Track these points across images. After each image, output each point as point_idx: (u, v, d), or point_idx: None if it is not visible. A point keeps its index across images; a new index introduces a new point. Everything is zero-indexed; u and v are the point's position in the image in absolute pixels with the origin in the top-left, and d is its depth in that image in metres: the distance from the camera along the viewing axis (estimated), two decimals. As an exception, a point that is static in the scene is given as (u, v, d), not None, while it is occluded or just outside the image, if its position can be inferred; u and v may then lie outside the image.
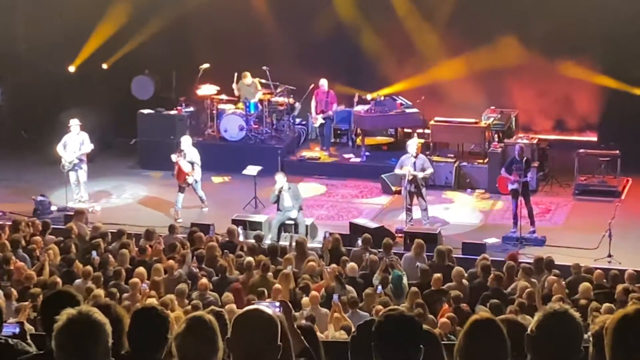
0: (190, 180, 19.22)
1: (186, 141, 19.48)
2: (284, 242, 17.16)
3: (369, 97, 22.85)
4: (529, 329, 4.20)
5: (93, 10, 23.84)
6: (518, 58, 22.21)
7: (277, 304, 5.45)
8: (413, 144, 18.60)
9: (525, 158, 18.14)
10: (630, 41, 21.55)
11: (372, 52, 23.22)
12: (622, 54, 21.75)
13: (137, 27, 23.67)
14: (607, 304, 12.68)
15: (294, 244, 16.32)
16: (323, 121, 22.41)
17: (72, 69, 24.48)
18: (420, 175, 18.25)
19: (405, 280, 14.63)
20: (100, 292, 13.18)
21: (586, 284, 13.94)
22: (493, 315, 4.57)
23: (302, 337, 5.39)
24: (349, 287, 14.20)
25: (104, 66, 24.44)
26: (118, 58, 24.09)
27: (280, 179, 18.27)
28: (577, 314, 4.21)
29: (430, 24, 22.81)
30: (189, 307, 12.63)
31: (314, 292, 13.67)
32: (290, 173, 19.70)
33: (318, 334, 9.42)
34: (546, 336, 4.13)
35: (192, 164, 19.20)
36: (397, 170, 18.86)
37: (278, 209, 18.32)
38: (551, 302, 4.39)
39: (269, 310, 4.41)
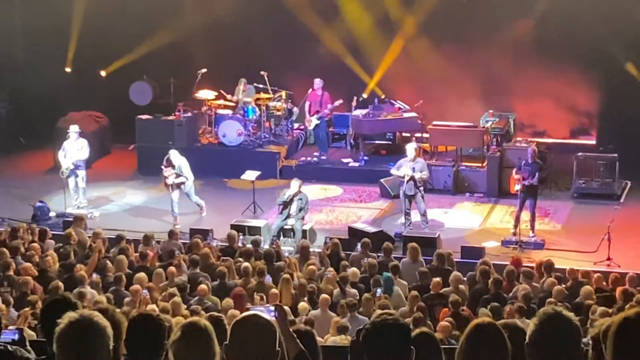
0: (169, 181, 19.14)
1: (174, 154, 19.31)
2: (283, 247, 17.16)
3: (364, 95, 22.89)
4: (527, 337, 4.17)
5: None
6: (516, 61, 22.27)
7: (272, 308, 5.45)
8: (411, 148, 18.60)
9: (534, 160, 18.07)
10: (627, 42, 21.60)
11: (370, 57, 23.32)
12: (619, 53, 21.79)
13: (135, 33, 23.68)
14: (602, 308, 12.67)
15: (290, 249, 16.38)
16: (318, 121, 22.39)
17: (68, 69, 24.58)
18: (417, 175, 18.20)
19: (399, 284, 14.68)
20: (102, 297, 13.17)
21: (588, 287, 13.95)
22: (494, 320, 4.56)
23: (299, 341, 5.39)
24: (352, 291, 14.22)
25: (103, 73, 24.49)
26: (117, 66, 24.16)
27: (295, 185, 18.27)
28: (571, 315, 4.18)
29: (428, 28, 22.85)
30: (188, 312, 12.62)
31: (324, 295, 13.67)
32: (289, 178, 19.68)
33: (317, 338, 9.42)
34: (545, 342, 4.10)
35: (178, 174, 19.13)
36: (393, 171, 18.87)
37: (280, 212, 18.34)
38: (545, 307, 4.35)
39: (267, 316, 4.41)
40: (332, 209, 20.25)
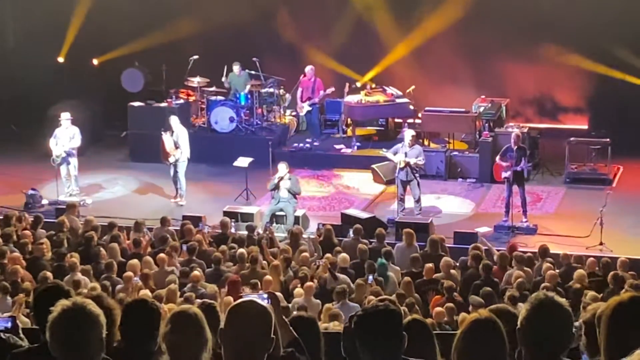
0: (172, 160, 19.22)
1: (174, 120, 19.50)
2: (276, 233, 17.15)
3: (358, 84, 22.86)
4: (518, 323, 4.17)
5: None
6: (508, 46, 22.23)
7: (265, 295, 5.45)
8: (408, 135, 18.61)
9: (518, 146, 18.08)
10: (617, 26, 21.58)
11: (361, 43, 23.27)
12: (610, 39, 21.76)
13: (126, 21, 23.57)
14: (592, 292, 12.70)
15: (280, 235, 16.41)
16: (310, 108, 22.36)
17: (61, 59, 24.48)
18: (412, 161, 18.20)
19: (392, 269, 14.69)
20: (96, 285, 13.18)
21: (581, 271, 13.98)
22: (486, 305, 4.55)
23: (297, 328, 5.40)
24: (342, 277, 14.23)
25: (95, 62, 24.40)
26: (109, 54, 24.08)
27: (282, 168, 18.27)
28: (563, 300, 4.18)
29: (422, 16, 22.80)
30: (181, 300, 12.62)
31: (308, 283, 13.70)
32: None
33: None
34: (536, 327, 4.10)
35: (176, 143, 19.22)
36: (389, 154, 18.84)
37: (272, 197, 18.33)
38: (536, 292, 4.35)
39: (263, 302, 4.42)
40: (324, 195, 20.24)
